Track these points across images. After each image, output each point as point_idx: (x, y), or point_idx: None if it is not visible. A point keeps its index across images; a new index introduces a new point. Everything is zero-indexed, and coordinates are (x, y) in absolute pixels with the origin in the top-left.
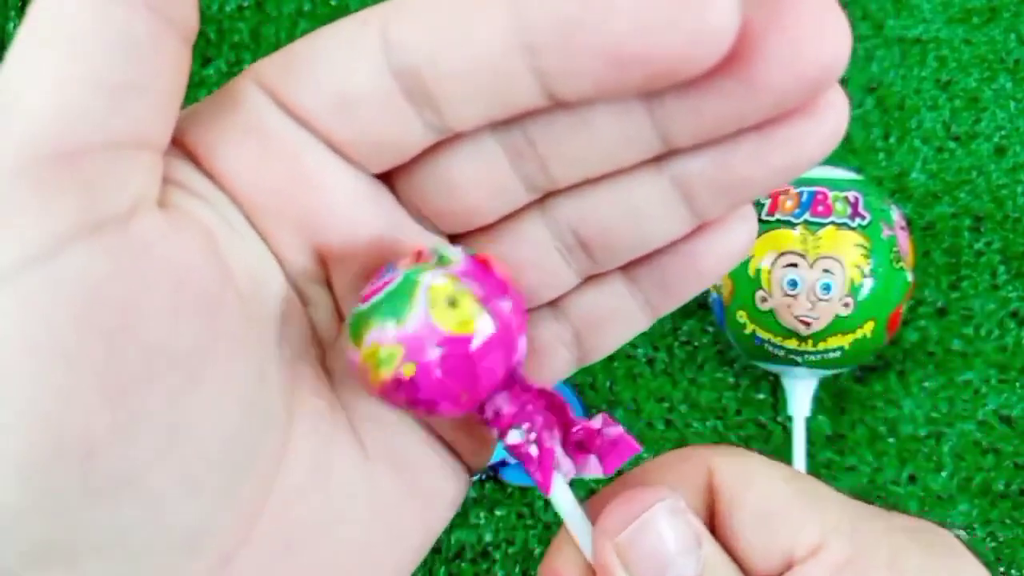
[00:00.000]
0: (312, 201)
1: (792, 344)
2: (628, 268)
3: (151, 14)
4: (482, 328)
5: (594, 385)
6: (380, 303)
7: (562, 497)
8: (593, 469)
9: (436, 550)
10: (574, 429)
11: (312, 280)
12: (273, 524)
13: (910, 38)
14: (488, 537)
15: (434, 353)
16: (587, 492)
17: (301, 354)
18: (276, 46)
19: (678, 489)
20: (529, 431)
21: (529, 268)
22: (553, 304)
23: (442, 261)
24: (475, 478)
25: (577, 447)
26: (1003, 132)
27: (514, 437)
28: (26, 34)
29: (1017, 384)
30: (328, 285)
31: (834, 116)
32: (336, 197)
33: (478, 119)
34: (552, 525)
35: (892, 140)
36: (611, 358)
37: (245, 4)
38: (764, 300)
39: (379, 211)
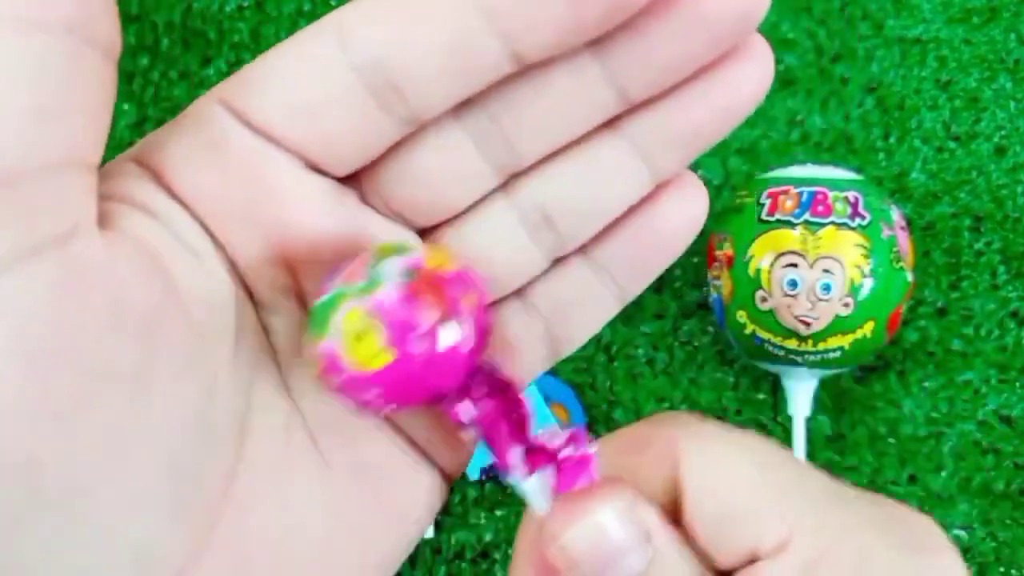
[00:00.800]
0: (276, 211)
1: (792, 344)
2: (593, 251)
3: (70, 36)
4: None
5: (594, 385)
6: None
7: (524, 481)
8: (546, 481)
9: (436, 550)
10: (530, 439)
11: (279, 291)
12: (228, 538)
13: (910, 38)
14: (488, 537)
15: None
16: None
17: (258, 367)
18: None
19: (642, 476)
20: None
21: (498, 253)
22: (521, 295)
23: (400, 251)
24: (475, 478)
25: (537, 453)
26: (1003, 132)
27: (466, 412)
28: None
29: (1017, 384)
30: (295, 295)
31: (762, 57)
32: (300, 206)
33: (446, 101)
34: None
35: (892, 140)
36: (611, 358)
37: (245, 4)
38: (764, 300)
39: (344, 215)
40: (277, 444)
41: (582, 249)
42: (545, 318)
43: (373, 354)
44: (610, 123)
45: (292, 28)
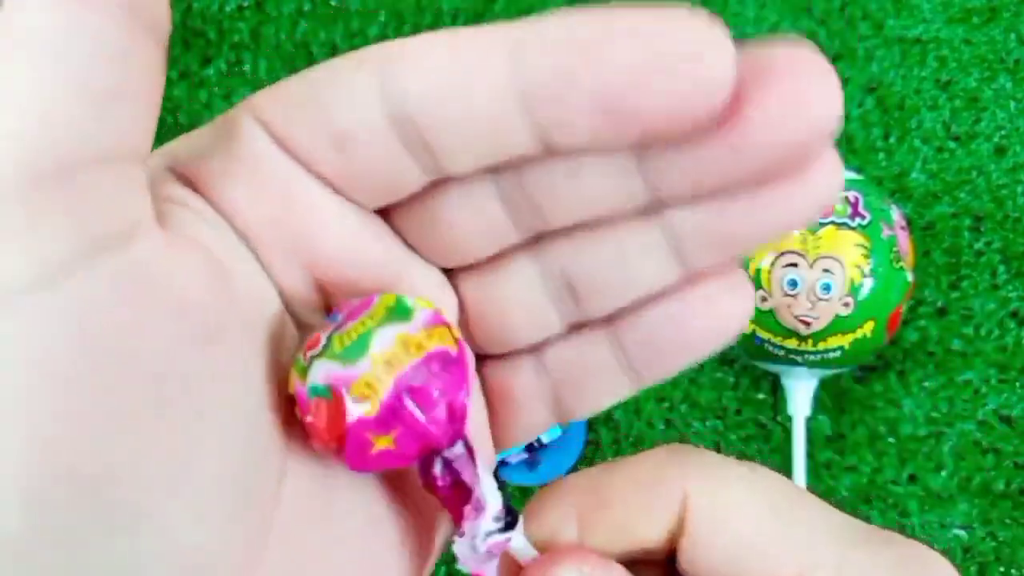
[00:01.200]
0: (309, 232)
1: (792, 344)
2: (614, 325)
3: (126, 19)
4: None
5: None
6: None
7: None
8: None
9: None
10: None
11: (312, 309)
12: (280, 550)
13: (910, 38)
14: None
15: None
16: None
17: None
18: (276, 46)
19: (647, 518)
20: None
21: (516, 306)
22: (534, 353)
23: (390, 311)
24: None
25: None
26: (1003, 132)
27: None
28: None
29: (1017, 384)
30: (327, 313)
31: (826, 178)
32: (333, 229)
33: (474, 166)
34: None
35: (892, 140)
36: None
37: (245, 4)
38: (764, 300)
39: (377, 243)
40: (316, 456)
41: (606, 325)
42: (554, 381)
43: (335, 426)
44: (649, 211)
45: (292, 28)
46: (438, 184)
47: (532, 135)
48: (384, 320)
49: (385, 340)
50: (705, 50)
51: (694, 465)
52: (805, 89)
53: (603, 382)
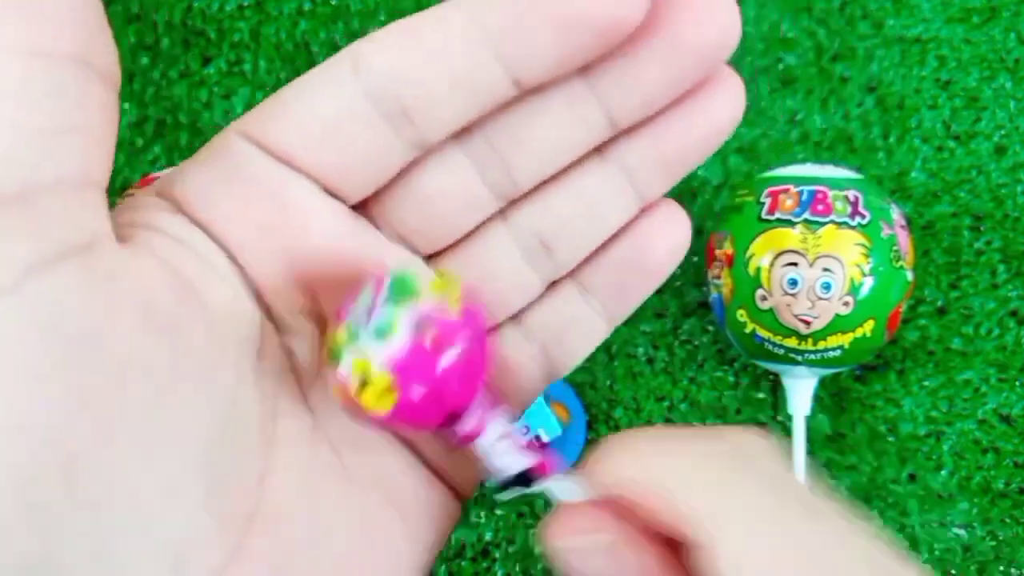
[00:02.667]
0: (295, 234)
1: (792, 343)
2: (582, 277)
3: (75, 65)
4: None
5: (594, 384)
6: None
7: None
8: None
9: None
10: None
11: (299, 313)
12: (263, 544)
13: (910, 37)
14: (488, 536)
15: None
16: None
17: (281, 384)
18: (276, 46)
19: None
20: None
21: (497, 275)
22: (518, 321)
23: (412, 293)
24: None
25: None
26: (1003, 131)
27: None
28: None
29: (1017, 383)
30: (315, 317)
31: (734, 86)
32: (318, 230)
33: (452, 123)
34: None
35: (892, 139)
36: (611, 357)
37: (245, 4)
38: (764, 299)
39: (360, 239)
40: (304, 456)
41: (572, 275)
42: (540, 342)
43: (379, 399)
44: (599, 150)
45: (292, 28)
46: (416, 163)
47: (502, 73)
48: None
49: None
50: None
51: (699, 495)
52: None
53: (583, 331)
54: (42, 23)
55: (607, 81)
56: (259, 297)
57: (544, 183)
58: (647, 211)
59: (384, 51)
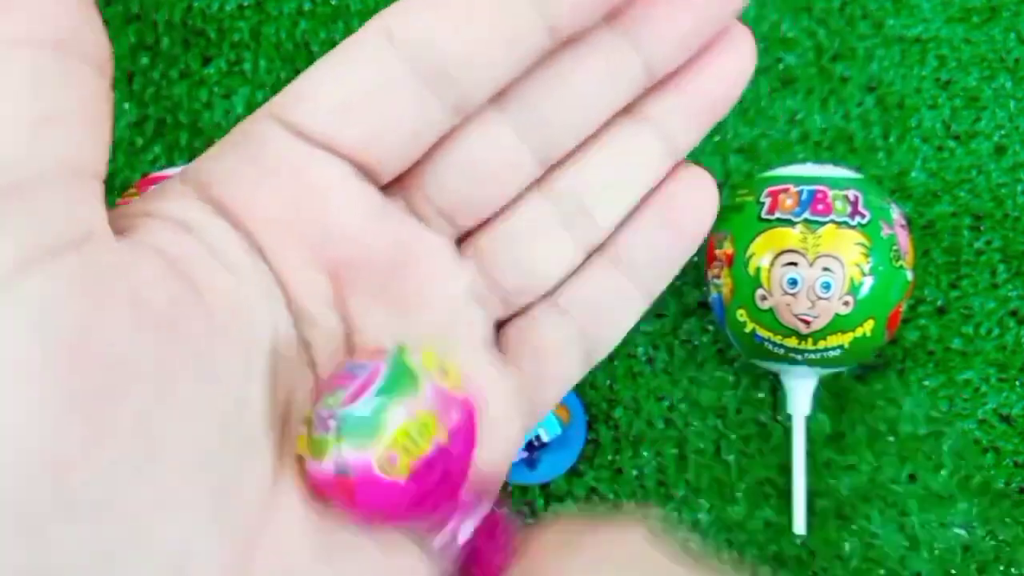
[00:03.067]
0: (322, 219)
1: (792, 343)
2: (616, 251)
3: (60, 51)
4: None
5: (594, 384)
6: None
7: None
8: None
9: None
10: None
11: (322, 303)
12: (270, 557)
13: (910, 37)
14: None
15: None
16: (587, 490)
17: (298, 382)
18: (276, 46)
19: None
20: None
21: (535, 243)
22: (553, 300)
23: (397, 388)
24: None
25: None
26: (1003, 131)
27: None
28: None
29: (1017, 383)
30: (338, 308)
31: (745, 39)
32: (346, 214)
33: (493, 82)
34: None
35: (892, 139)
36: (611, 357)
37: (245, 3)
38: (764, 299)
39: (390, 223)
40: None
41: (605, 248)
42: (579, 322)
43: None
44: (630, 109)
45: (292, 28)
46: (454, 132)
47: (540, 21)
48: (394, 391)
49: (398, 416)
50: None
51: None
52: None
53: (620, 305)
54: (16, 10)
55: (643, 30)
56: (281, 286)
57: (580, 146)
58: (673, 176)
59: (416, 13)
